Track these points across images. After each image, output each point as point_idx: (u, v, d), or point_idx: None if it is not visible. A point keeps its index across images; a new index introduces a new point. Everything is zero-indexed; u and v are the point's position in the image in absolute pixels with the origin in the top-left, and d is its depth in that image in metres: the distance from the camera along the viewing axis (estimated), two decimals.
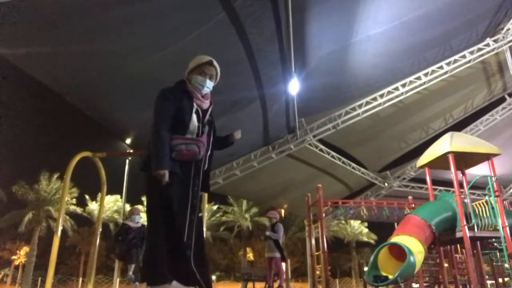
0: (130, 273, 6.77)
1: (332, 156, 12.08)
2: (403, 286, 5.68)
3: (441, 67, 10.11)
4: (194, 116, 2.52)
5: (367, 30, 7.94)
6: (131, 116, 8.01)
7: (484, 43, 10.21)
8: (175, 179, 2.38)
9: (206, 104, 2.65)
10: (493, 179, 6.42)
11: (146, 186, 2.46)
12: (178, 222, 2.36)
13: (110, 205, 32.27)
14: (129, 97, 7.47)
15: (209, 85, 2.66)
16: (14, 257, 34.69)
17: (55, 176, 29.11)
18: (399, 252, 5.61)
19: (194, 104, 2.56)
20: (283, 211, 18.35)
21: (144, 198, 31.06)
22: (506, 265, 6.78)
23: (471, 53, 10.13)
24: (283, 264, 7.69)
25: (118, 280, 11.96)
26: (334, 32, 7.81)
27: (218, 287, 32.83)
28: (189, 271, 2.32)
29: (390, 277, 5.39)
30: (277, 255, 7.43)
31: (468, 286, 7.06)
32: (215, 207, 35.44)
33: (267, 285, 7.63)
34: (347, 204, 8.88)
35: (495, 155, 6.67)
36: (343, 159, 12.54)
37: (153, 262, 2.32)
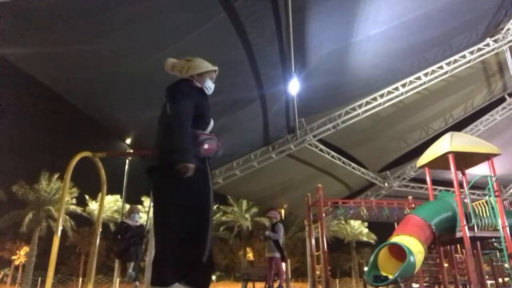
0: (130, 270, 6.75)
1: (332, 156, 12.08)
2: (403, 286, 5.68)
3: (441, 67, 10.11)
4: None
5: (367, 30, 7.94)
6: (131, 116, 8.01)
7: (484, 43, 10.20)
8: (201, 175, 2.35)
9: None
10: (493, 179, 6.42)
11: (164, 185, 2.37)
12: (201, 221, 2.33)
13: (110, 205, 32.27)
14: (129, 97, 7.47)
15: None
16: (14, 257, 34.70)
17: (55, 176, 29.13)
18: (399, 252, 5.61)
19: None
20: (283, 211, 18.33)
21: (144, 198, 31.03)
22: (506, 265, 6.78)
23: (471, 53, 10.13)
24: (283, 264, 7.69)
25: (118, 280, 11.95)
26: (334, 32, 7.81)
27: (218, 287, 32.83)
28: (198, 272, 2.30)
29: (390, 277, 5.40)
30: (277, 255, 7.43)
31: (468, 286, 7.06)
32: (215, 207, 35.44)
33: (267, 285, 7.63)
34: (347, 204, 8.89)
35: (495, 155, 6.67)
36: (343, 159, 12.54)
37: (159, 263, 2.28)
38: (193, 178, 2.27)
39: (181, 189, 2.32)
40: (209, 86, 2.70)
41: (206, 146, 2.39)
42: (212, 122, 2.57)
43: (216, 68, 2.74)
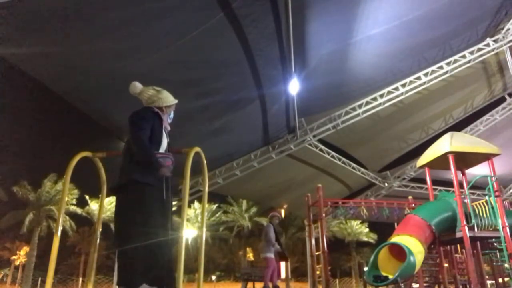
0: None
1: (332, 156, 12.08)
2: (403, 286, 5.68)
3: (441, 67, 10.11)
4: (165, 135, 2.94)
5: (367, 30, 7.93)
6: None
7: (484, 43, 10.21)
8: (155, 191, 2.69)
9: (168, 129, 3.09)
10: (493, 179, 6.42)
11: (137, 198, 2.66)
12: (160, 232, 2.62)
13: (110, 205, 32.23)
14: (129, 97, 7.45)
15: None
16: (14, 257, 34.70)
17: (59, 180, 29.03)
18: (399, 252, 5.61)
19: (164, 126, 3.00)
20: (283, 211, 18.33)
21: None
22: (506, 265, 6.77)
23: (471, 53, 10.13)
24: (282, 264, 7.66)
25: None
26: (334, 32, 7.81)
27: (218, 287, 32.84)
28: (162, 276, 2.57)
29: (390, 277, 5.39)
30: (268, 255, 7.43)
31: (468, 286, 7.05)
32: (215, 207, 35.43)
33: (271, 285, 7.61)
34: (347, 204, 8.88)
35: (495, 155, 6.67)
36: (343, 159, 12.54)
37: (128, 266, 2.54)
38: (152, 194, 2.66)
39: (145, 204, 2.67)
40: (171, 116, 3.16)
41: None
42: (165, 141, 2.91)
43: (176, 101, 3.11)
